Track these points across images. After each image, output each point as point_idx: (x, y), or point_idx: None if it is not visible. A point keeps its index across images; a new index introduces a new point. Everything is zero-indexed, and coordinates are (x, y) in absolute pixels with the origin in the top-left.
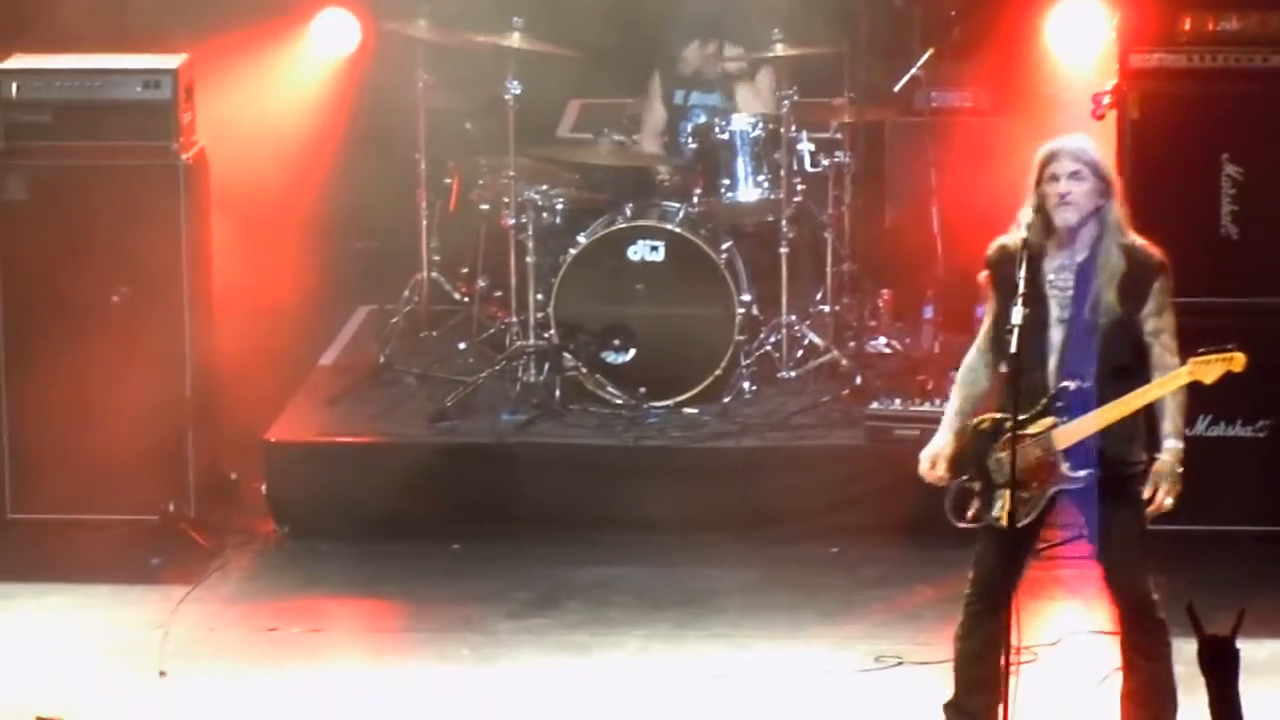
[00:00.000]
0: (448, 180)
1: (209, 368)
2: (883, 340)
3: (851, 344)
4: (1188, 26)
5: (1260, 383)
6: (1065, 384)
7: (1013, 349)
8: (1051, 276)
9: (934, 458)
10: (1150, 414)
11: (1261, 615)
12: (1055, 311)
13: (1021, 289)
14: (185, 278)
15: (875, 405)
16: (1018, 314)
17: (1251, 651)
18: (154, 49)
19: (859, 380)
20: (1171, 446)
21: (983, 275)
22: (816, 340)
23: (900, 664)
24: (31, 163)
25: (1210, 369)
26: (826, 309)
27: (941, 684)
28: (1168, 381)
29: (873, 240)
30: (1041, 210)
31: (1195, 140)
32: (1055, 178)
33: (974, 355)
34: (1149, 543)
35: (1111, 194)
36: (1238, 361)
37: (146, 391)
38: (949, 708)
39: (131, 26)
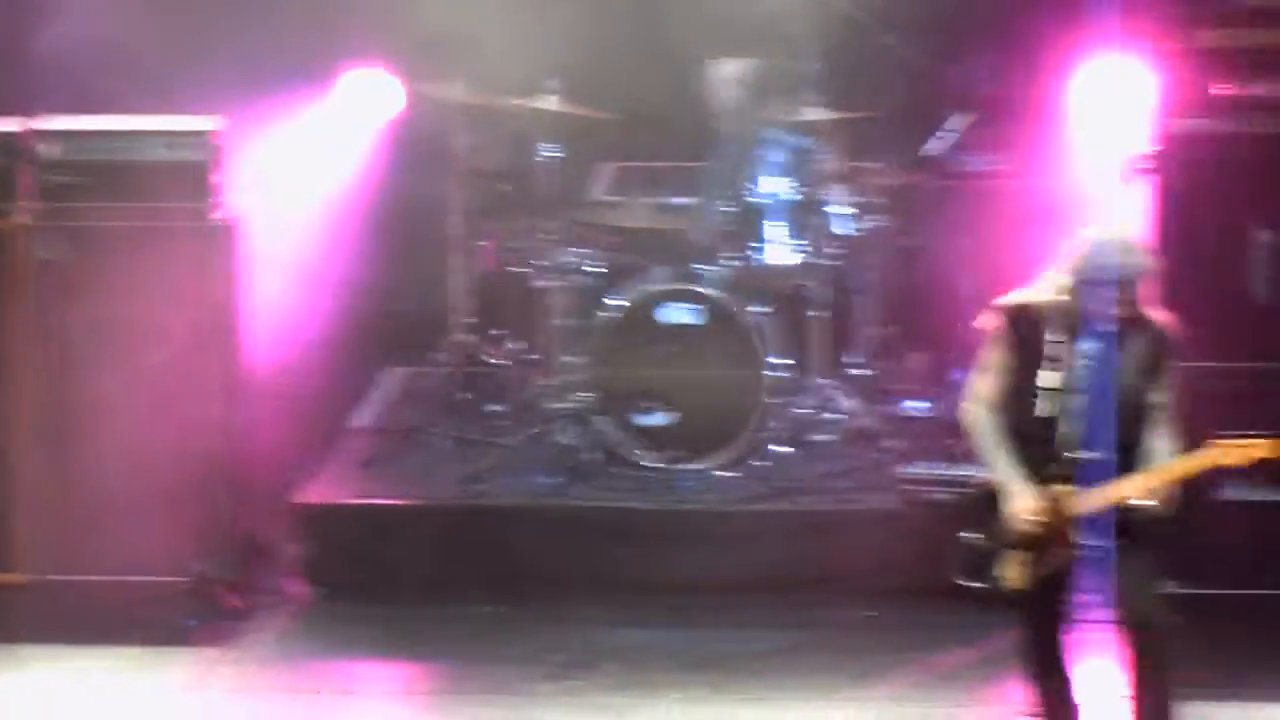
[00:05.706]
0: (482, 243)
1: (240, 428)
2: (914, 403)
3: (884, 407)
4: (1224, 92)
5: None
6: (1087, 452)
7: (1044, 412)
8: (1076, 345)
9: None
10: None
11: None
12: (1078, 379)
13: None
14: (218, 339)
15: (909, 469)
16: (1051, 378)
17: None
18: (189, 111)
19: (892, 443)
20: None
21: (991, 325)
22: (849, 403)
23: None
24: (72, 223)
25: (1229, 454)
26: (858, 372)
27: None
28: (1192, 461)
29: (905, 304)
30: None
31: (1228, 206)
32: (1109, 300)
33: (985, 418)
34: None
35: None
36: (1262, 448)
37: (180, 451)
38: None
39: (162, 87)
